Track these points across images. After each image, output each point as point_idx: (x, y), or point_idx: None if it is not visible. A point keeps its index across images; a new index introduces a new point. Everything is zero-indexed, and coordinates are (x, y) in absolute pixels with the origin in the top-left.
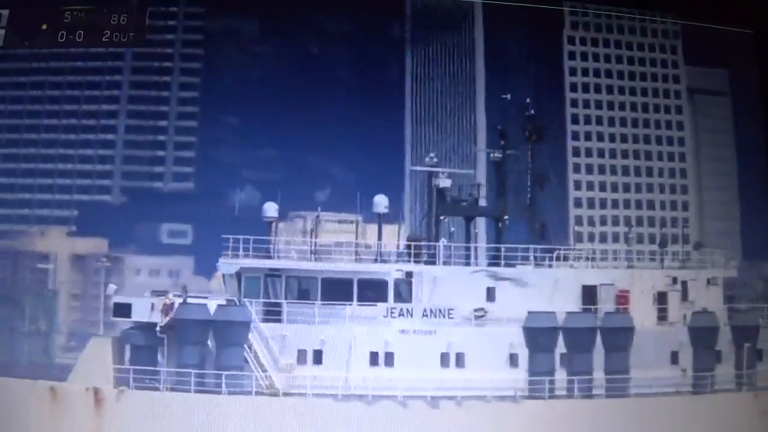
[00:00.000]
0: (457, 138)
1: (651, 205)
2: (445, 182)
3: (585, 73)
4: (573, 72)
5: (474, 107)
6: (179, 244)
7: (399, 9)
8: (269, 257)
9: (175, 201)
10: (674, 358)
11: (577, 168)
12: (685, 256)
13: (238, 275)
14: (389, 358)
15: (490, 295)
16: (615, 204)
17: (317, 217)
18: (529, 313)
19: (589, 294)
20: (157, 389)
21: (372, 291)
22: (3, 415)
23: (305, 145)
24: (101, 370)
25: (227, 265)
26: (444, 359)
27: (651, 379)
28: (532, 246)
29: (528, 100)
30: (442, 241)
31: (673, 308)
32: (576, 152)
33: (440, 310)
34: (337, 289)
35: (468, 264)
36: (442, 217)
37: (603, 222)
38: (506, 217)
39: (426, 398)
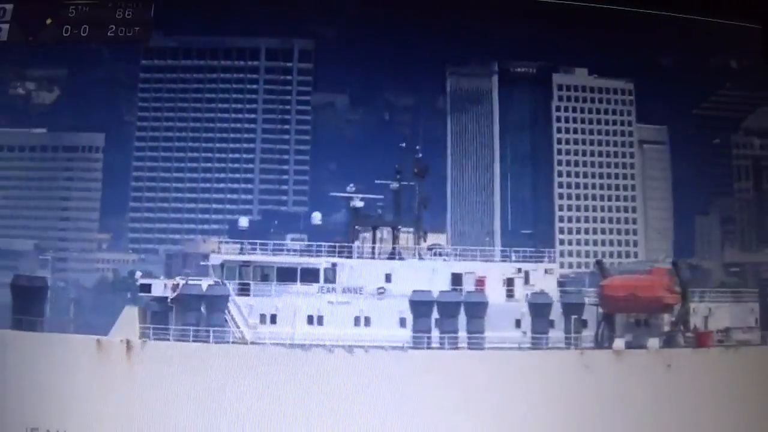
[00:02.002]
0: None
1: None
2: (358, 203)
3: (567, 131)
4: (559, 130)
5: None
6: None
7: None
8: (242, 253)
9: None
10: (518, 323)
11: (560, 196)
12: (533, 253)
13: (222, 265)
14: (320, 320)
15: (388, 278)
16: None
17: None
18: (414, 291)
19: (457, 279)
20: (167, 340)
21: (309, 275)
22: (72, 358)
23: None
24: (131, 328)
25: (215, 258)
26: (356, 321)
27: (500, 338)
28: (416, 246)
29: (417, 147)
30: (356, 243)
31: (517, 289)
32: (560, 185)
33: (354, 288)
34: (286, 274)
35: (373, 257)
36: (356, 227)
37: (579, 231)
38: (400, 226)
39: (345, 347)
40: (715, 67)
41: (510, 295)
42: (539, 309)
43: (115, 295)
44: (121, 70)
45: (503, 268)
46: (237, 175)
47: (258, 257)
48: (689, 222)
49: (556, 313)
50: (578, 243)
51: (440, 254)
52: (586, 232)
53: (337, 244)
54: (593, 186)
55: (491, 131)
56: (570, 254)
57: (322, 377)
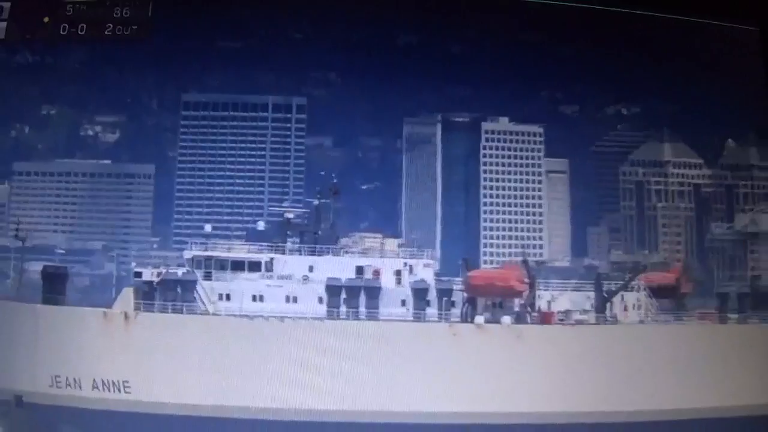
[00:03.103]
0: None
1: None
2: (289, 215)
3: (491, 164)
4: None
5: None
6: None
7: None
8: (206, 250)
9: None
10: (403, 303)
11: (485, 212)
12: (417, 251)
13: (192, 259)
14: (261, 298)
15: (311, 269)
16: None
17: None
18: (328, 278)
19: (359, 270)
20: (153, 312)
21: (254, 266)
22: (80, 327)
23: None
24: (128, 303)
25: (187, 253)
26: (287, 299)
27: (390, 313)
28: (330, 246)
29: (333, 175)
30: (288, 243)
31: (404, 278)
32: (485, 203)
33: (286, 276)
34: (237, 266)
35: (300, 254)
36: (288, 232)
37: (499, 238)
38: (319, 232)
39: (278, 317)
40: (610, 114)
41: (398, 282)
42: (419, 292)
43: None
44: (167, 118)
45: (394, 262)
46: (251, 194)
47: (217, 253)
48: (584, 231)
49: (432, 295)
50: (498, 246)
51: (348, 252)
52: (504, 238)
53: (274, 245)
54: (510, 204)
55: (435, 165)
56: (492, 255)
57: (262, 339)
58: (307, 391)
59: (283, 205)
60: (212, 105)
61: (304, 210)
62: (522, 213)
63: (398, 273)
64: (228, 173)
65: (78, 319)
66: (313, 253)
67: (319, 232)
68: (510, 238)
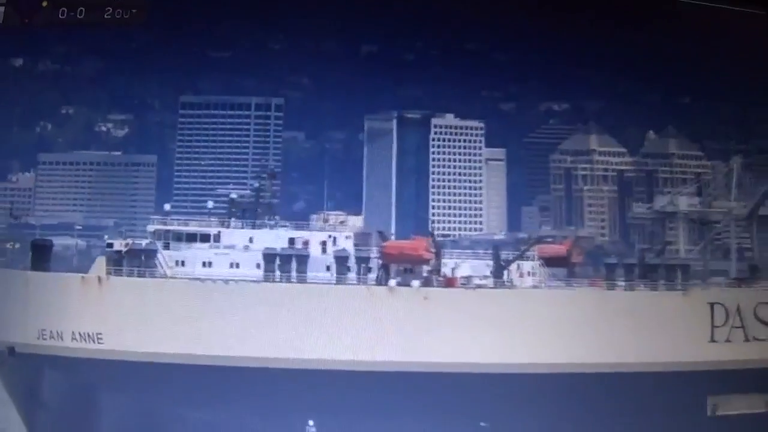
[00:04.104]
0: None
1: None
2: (234, 195)
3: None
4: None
5: None
6: None
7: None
8: (165, 224)
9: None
10: (328, 268)
11: (433, 194)
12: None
13: (154, 232)
14: (210, 264)
15: (251, 240)
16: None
17: None
18: (265, 247)
19: (292, 241)
20: (122, 276)
21: (204, 238)
22: (62, 289)
23: None
24: (101, 269)
25: (150, 227)
26: (231, 265)
27: (316, 277)
28: (267, 221)
29: (270, 163)
30: (232, 219)
31: (329, 247)
32: (433, 189)
33: (230, 246)
34: (191, 237)
35: (243, 227)
36: (233, 210)
37: (444, 216)
38: (259, 210)
39: (223, 280)
40: (543, 110)
41: (323, 251)
42: (341, 260)
43: None
44: (167, 116)
45: (320, 234)
46: (238, 178)
47: (174, 227)
48: (518, 210)
49: (351, 262)
50: (445, 223)
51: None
52: (448, 215)
53: (223, 220)
54: (454, 187)
55: (391, 154)
56: (438, 229)
57: (210, 297)
58: (247, 340)
59: (228, 186)
60: (205, 105)
61: (246, 191)
62: (465, 194)
63: (323, 243)
64: (218, 161)
65: (61, 283)
66: (253, 226)
67: (259, 209)
68: (454, 215)
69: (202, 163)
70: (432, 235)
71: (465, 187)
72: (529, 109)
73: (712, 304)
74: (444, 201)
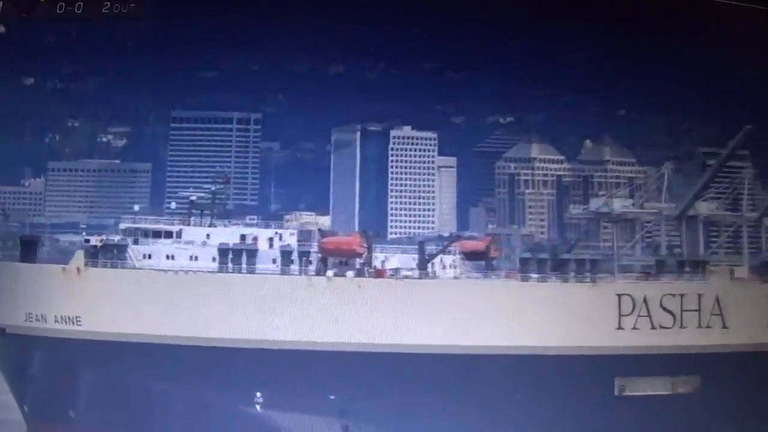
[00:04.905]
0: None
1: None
2: (194, 197)
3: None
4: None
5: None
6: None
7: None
8: (135, 223)
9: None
10: (274, 261)
11: (392, 196)
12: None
13: (124, 230)
14: (173, 257)
15: (208, 236)
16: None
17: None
18: (220, 243)
19: (243, 237)
20: (98, 267)
21: (168, 234)
22: (46, 278)
23: None
24: (80, 260)
25: (122, 225)
26: (191, 258)
27: (264, 268)
28: (229, 221)
29: (227, 169)
30: (192, 218)
31: (275, 243)
32: (391, 191)
33: (191, 241)
34: (156, 234)
35: (202, 226)
36: (192, 210)
37: (399, 215)
38: (216, 210)
39: (184, 271)
40: (490, 123)
41: (270, 245)
42: (285, 254)
43: None
44: (160, 128)
45: (268, 231)
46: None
47: (142, 225)
48: (467, 211)
49: (294, 256)
50: (401, 222)
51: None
52: (405, 216)
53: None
54: (410, 191)
55: (355, 163)
56: (396, 227)
57: (171, 286)
58: (204, 323)
59: (189, 189)
60: (193, 119)
61: (204, 193)
62: (419, 197)
63: (270, 239)
64: (204, 168)
65: (45, 273)
66: (210, 225)
67: (215, 210)
68: (410, 216)
69: (190, 169)
70: (365, 233)
71: (420, 191)
72: (478, 122)
73: (620, 295)
74: (401, 203)
